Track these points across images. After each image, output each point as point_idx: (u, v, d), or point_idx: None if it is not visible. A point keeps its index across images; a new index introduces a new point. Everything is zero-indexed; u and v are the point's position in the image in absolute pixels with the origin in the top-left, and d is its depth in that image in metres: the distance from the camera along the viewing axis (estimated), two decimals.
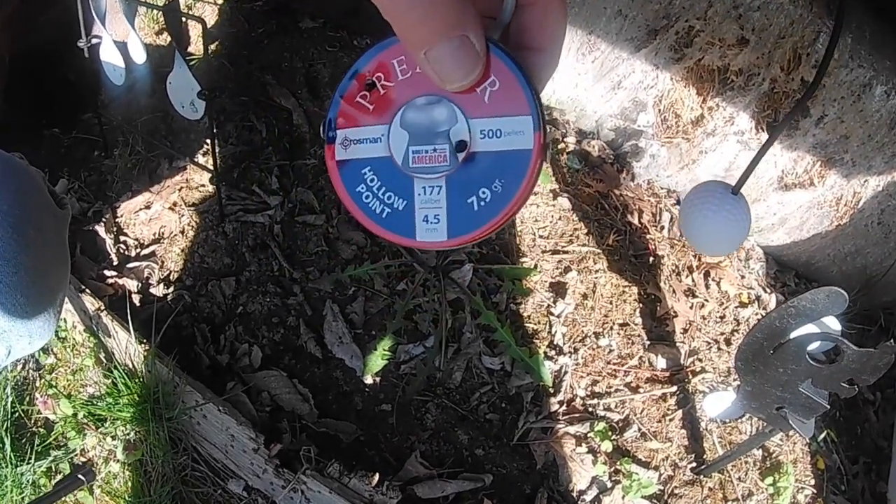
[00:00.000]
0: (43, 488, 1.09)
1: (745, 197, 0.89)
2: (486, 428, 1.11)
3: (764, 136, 1.26)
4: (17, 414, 1.15)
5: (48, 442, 1.13)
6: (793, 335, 0.76)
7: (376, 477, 0.97)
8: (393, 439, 1.08)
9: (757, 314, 1.31)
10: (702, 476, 1.13)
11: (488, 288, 1.21)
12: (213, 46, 1.43)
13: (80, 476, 1.04)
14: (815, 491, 1.17)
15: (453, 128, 0.27)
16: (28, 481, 1.11)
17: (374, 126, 0.29)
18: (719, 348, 1.25)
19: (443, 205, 0.28)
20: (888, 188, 1.25)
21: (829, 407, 0.81)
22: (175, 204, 1.23)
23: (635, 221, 1.34)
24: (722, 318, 1.29)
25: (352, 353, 1.12)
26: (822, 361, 0.77)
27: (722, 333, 1.27)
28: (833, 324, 0.79)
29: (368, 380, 1.11)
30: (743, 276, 1.35)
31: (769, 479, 1.15)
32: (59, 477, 1.11)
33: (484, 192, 0.27)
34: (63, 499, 1.11)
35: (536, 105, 0.27)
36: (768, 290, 1.35)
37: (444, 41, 0.26)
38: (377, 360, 1.09)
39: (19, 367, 1.19)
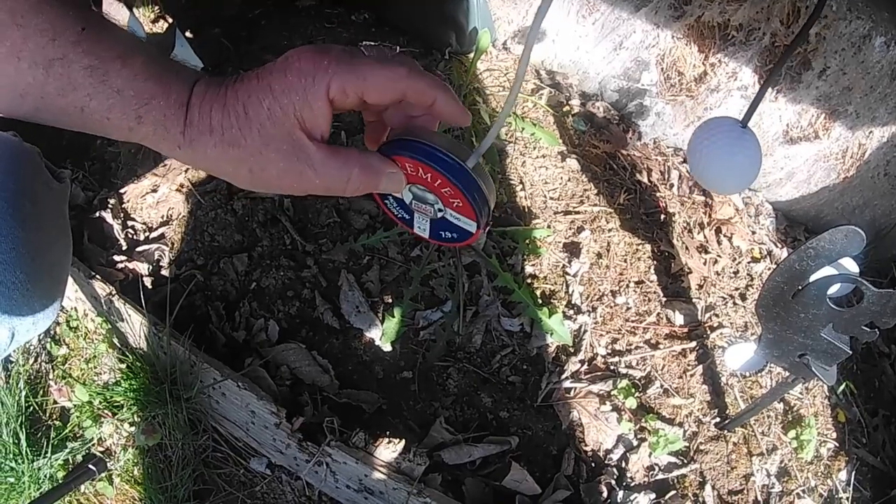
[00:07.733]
0: (61, 482, 1.07)
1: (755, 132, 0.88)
2: (509, 390, 1.10)
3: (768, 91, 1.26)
4: (31, 408, 1.13)
5: (64, 434, 1.11)
6: (812, 278, 0.75)
7: (402, 443, 0.96)
8: (416, 406, 1.07)
9: (769, 269, 1.30)
10: (726, 431, 1.12)
11: (503, 250, 1.20)
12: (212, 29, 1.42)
13: (90, 466, 1.01)
14: (837, 444, 1.16)
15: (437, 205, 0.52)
16: (45, 476, 1.09)
17: None
18: (735, 303, 1.25)
19: (426, 227, 0.55)
20: (893, 139, 1.25)
21: (850, 352, 0.80)
22: (182, 185, 1.21)
23: (644, 180, 1.34)
24: (735, 273, 1.28)
25: (370, 321, 1.11)
26: (843, 305, 0.76)
27: (737, 288, 1.27)
28: (851, 266, 0.78)
29: (388, 348, 1.10)
30: (754, 232, 1.35)
31: (792, 433, 1.14)
32: None
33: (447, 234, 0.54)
34: (83, 492, 1.10)
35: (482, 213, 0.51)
36: (779, 245, 1.35)
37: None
38: (396, 327, 1.08)
39: (31, 360, 1.17)
